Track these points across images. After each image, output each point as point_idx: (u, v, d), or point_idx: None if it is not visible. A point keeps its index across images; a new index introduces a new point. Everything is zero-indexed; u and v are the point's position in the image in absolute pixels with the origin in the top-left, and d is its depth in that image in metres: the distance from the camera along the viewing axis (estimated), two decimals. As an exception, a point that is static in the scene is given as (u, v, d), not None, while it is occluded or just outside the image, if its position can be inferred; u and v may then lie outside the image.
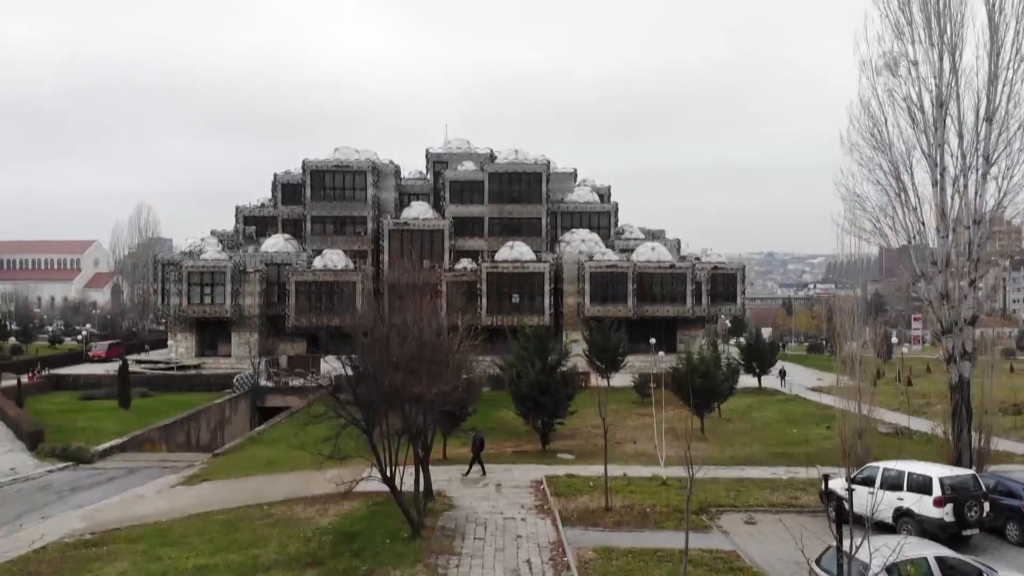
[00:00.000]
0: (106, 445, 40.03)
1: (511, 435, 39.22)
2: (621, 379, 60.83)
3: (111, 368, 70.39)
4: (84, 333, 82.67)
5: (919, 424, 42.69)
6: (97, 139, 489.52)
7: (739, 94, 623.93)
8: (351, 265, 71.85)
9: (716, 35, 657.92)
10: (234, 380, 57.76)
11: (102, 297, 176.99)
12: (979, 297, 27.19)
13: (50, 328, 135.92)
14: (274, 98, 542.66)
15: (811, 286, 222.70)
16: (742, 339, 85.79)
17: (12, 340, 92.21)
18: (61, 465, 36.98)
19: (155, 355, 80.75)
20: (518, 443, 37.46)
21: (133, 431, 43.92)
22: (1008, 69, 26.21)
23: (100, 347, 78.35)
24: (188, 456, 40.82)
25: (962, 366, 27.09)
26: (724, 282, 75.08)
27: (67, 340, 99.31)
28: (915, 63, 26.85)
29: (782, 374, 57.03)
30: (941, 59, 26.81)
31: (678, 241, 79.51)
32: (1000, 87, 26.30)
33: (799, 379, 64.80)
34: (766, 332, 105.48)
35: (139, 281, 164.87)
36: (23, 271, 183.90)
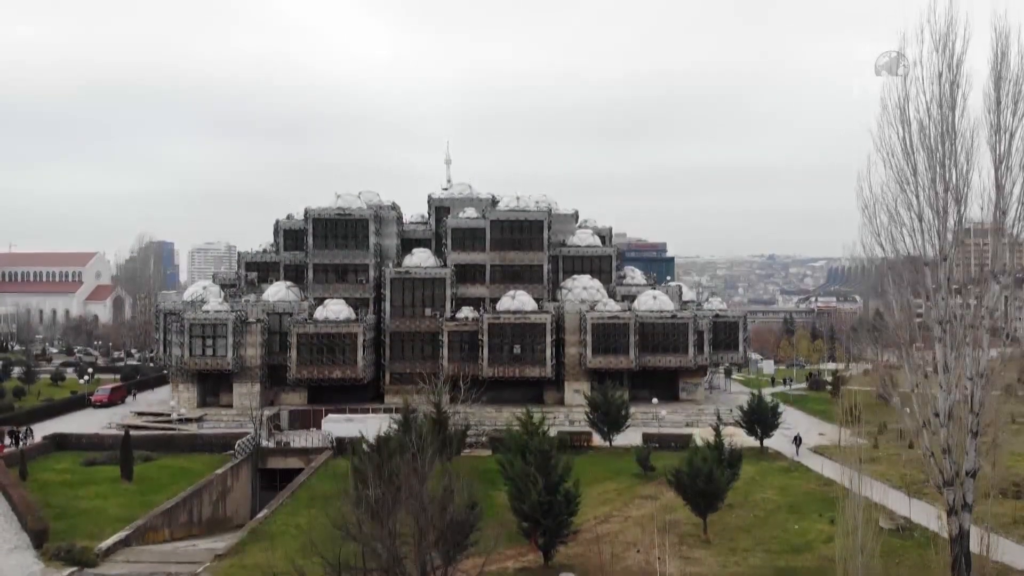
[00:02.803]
0: (109, 542, 40.12)
1: (511, 538, 38.78)
2: (625, 438, 60.81)
3: (114, 418, 70.77)
4: (87, 377, 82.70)
5: (920, 511, 42.71)
6: (100, 140, 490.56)
7: (741, 96, 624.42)
8: (352, 315, 71.90)
9: (717, 38, 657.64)
10: (235, 445, 57.80)
11: (103, 311, 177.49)
12: (979, 445, 27.18)
13: (52, 350, 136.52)
14: (278, 100, 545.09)
15: (813, 299, 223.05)
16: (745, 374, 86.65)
17: (15, 376, 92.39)
18: (67, 572, 37.10)
19: (157, 398, 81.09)
20: (519, 553, 37.40)
21: (136, 518, 44.16)
22: (1015, 226, 26.17)
23: (103, 391, 78.54)
24: (191, 552, 41.03)
25: (963, 517, 27.16)
26: (726, 330, 75.32)
27: (69, 372, 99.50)
28: (920, 216, 26.79)
29: (797, 441, 56.99)
30: (945, 211, 26.73)
31: (679, 287, 79.60)
32: (1006, 243, 26.27)
33: (801, 431, 64.73)
34: (768, 365, 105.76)
35: (141, 298, 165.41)
36: (26, 283, 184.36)
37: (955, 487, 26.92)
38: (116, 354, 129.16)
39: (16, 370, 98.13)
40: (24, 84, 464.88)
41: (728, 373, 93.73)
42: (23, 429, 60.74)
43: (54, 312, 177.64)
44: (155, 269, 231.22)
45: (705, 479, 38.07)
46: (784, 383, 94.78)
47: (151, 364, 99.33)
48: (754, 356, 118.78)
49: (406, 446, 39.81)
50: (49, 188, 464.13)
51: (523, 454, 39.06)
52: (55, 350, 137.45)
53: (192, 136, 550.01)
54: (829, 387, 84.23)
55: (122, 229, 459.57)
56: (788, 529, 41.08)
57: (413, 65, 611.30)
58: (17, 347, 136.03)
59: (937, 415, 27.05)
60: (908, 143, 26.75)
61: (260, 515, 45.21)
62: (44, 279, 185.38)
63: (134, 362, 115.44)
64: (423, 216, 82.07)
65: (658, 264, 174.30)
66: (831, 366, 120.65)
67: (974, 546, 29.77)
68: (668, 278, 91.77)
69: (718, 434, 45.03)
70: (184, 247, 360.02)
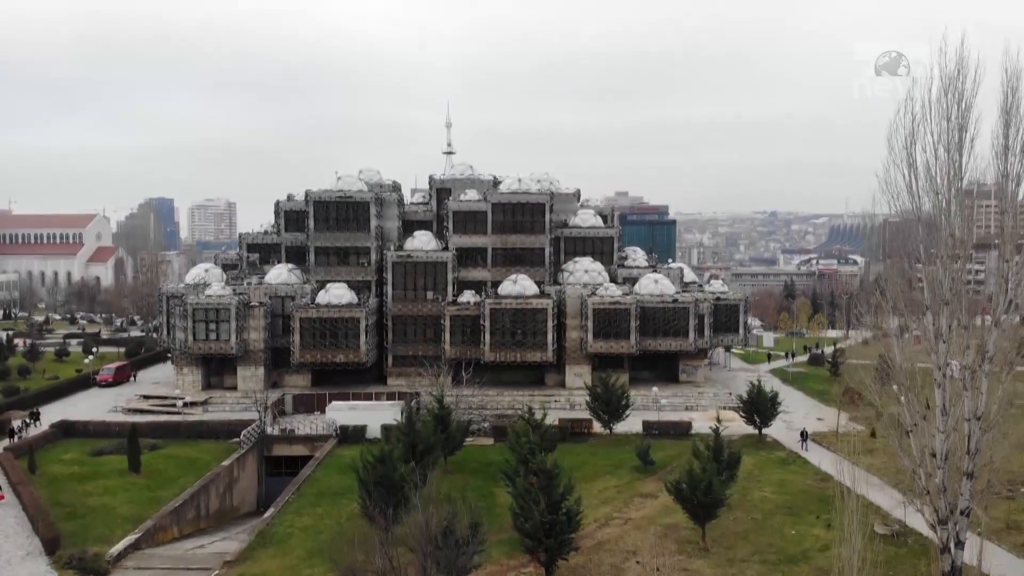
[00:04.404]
0: (120, 547, 40.99)
1: (513, 545, 39.57)
2: (625, 424, 61.46)
3: (119, 399, 71.53)
4: (90, 356, 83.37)
5: (915, 514, 43.39)
6: (97, 97, 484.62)
7: (746, 53, 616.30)
8: (355, 299, 72.07)
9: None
10: (241, 435, 58.52)
11: (105, 274, 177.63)
12: (973, 488, 27.62)
13: (56, 317, 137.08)
14: (279, 58, 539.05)
15: (813, 261, 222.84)
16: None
17: (20, 351, 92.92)
18: (79, 584, 38.03)
19: (163, 374, 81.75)
20: (520, 564, 38.04)
21: (145, 516, 45.22)
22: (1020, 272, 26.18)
23: (107, 371, 79.26)
24: (199, 557, 42.03)
25: (956, 555, 27.71)
26: (726, 312, 75.61)
27: (73, 345, 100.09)
28: (925, 262, 26.78)
29: (804, 436, 57.51)
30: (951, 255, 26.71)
31: (681, 269, 79.68)
32: (1010, 288, 26.32)
33: (799, 416, 65.53)
34: (768, 337, 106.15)
35: (141, 260, 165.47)
36: (26, 245, 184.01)
37: (949, 526, 27.43)
38: (119, 321, 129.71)
39: (20, 344, 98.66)
40: (20, 39, 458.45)
41: (728, 348, 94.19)
42: (21, 420, 61.55)
43: (55, 275, 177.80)
44: (155, 227, 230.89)
45: (704, 490, 38.66)
46: (785, 356, 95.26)
47: (155, 335, 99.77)
48: (754, 324, 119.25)
49: (409, 462, 40.61)
50: (47, 145, 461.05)
51: (526, 463, 39.79)
52: (58, 317, 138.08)
53: (191, 93, 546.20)
54: (829, 364, 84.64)
55: (121, 185, 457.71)
56: (785, 535, 41.82)
57: (416, 22, 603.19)
58: (20, 314, 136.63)
59: (934, 455, 27.44)
60: (914, 188, 26.63)
61: (267, 515, 45.99)
62: (44, 241, 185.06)
63: (138, 332, 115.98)
64: (424, 196, 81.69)
65: (660, 228, 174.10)
66: (832, 334, 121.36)
67: (967, 555, 30.42)
68: (669, 260, 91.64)
69: (718, 436, 45.50)
70: (184, 204, 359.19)
